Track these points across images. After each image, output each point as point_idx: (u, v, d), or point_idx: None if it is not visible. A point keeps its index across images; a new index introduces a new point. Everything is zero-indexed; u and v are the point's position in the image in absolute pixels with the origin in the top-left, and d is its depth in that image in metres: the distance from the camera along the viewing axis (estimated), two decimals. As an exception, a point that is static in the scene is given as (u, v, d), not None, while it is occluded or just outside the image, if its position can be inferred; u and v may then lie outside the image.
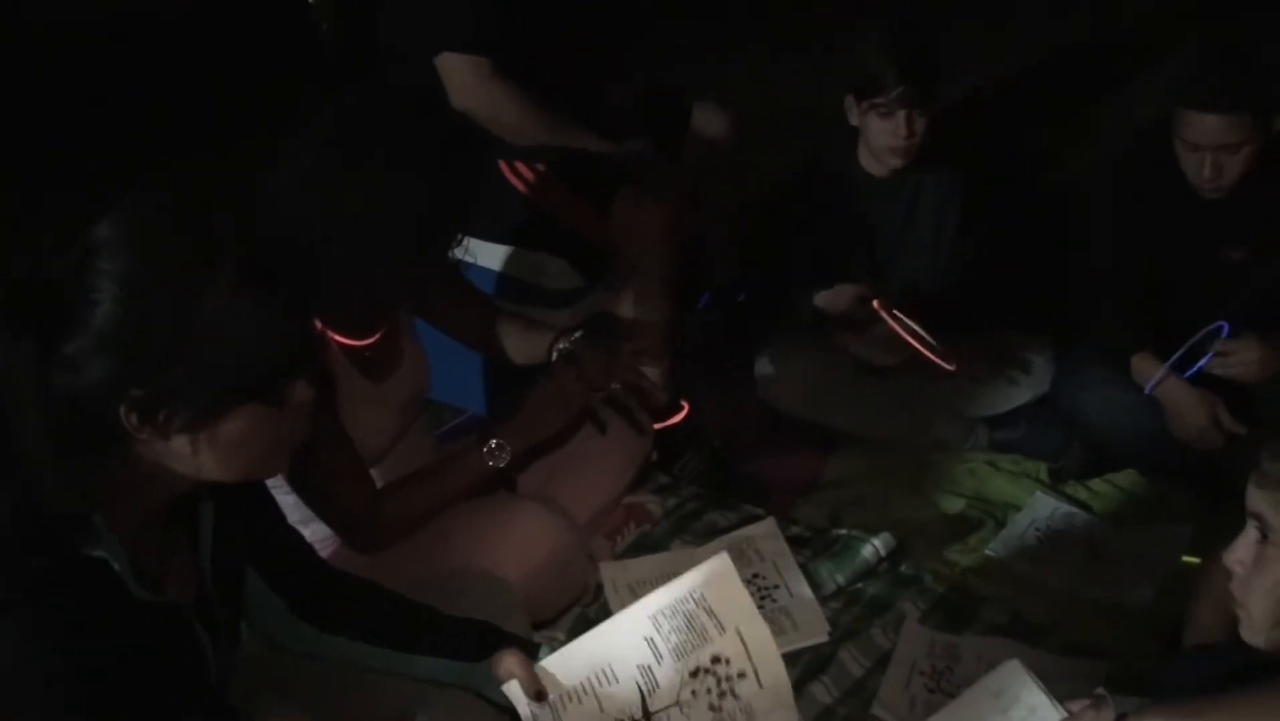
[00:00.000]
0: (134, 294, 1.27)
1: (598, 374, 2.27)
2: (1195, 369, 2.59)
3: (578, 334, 2.31)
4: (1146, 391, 2.65)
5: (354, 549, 2.08)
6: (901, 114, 2.72)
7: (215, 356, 1.29)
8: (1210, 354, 2.57)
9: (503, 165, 2.74)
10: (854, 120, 2.82)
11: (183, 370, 1.28)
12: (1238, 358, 2.56)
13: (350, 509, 2.04)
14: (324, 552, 2.08)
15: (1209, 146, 2.48)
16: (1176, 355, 2.61)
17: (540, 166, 2.73)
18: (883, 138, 2.76)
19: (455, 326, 2.38)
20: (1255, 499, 1.48)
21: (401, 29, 2.77)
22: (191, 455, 1.34)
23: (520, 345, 2.40)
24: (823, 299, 2.80)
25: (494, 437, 2.16)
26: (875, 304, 2.74)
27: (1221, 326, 2.58)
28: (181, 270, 1.29)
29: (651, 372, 2.47)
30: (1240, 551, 1.51)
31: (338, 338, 2.04)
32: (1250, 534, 1.51)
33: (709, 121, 3.08)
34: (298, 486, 2.00)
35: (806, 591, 2.29)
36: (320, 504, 2.03)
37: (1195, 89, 2.48)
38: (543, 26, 2.72)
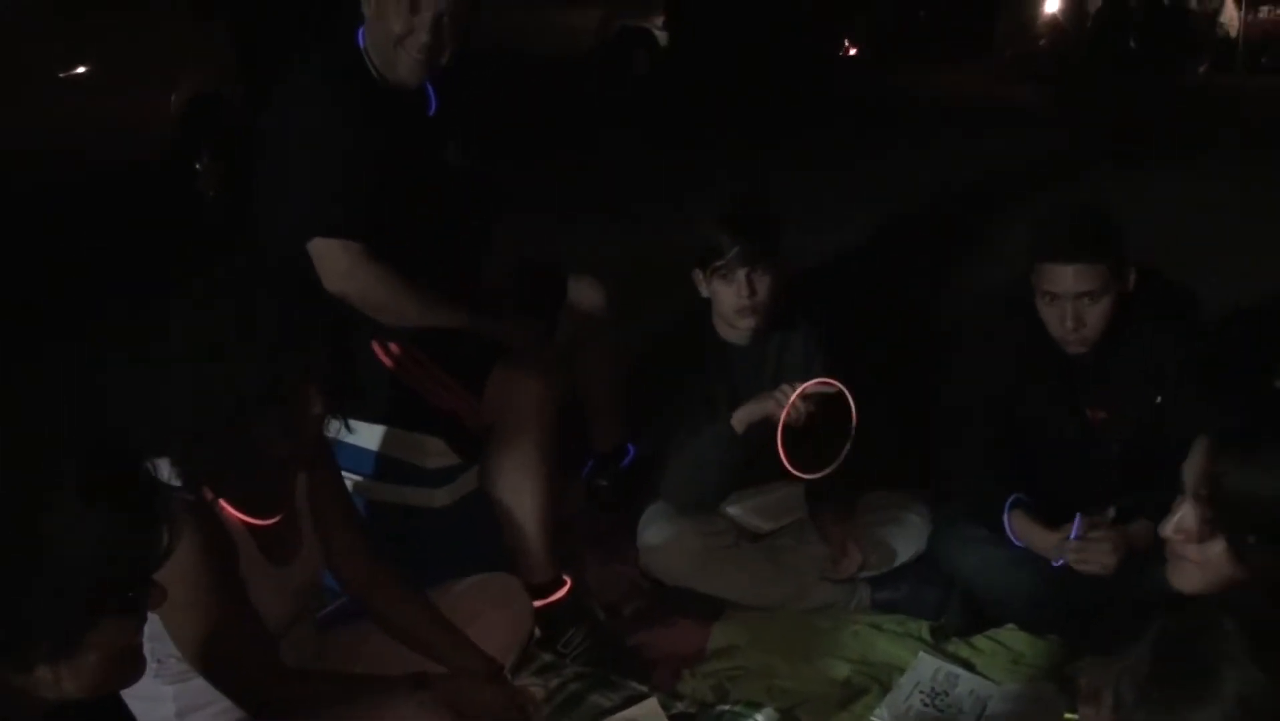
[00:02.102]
0: None
1: None
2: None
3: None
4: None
5: (241, 706, 2.00)
6: (742, 273, 2.77)
7: (70, 580, 1.27)
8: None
9: (375, 344, 2.73)
10: (704, 292, 2.87)
11: (37, 600, 1.25)
12: (1089, 554, 2.58)
13: (245, 666, 1.96)
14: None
15: (1068, 296, 2.57)
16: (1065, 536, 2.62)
17: (408, 345, 2.72)
18: (729, 300, 2.81)
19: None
20: None
21: (275, 210, 2.75)
22: (54, 681, 1.30)
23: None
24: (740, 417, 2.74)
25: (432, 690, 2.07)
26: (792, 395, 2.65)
27: (1077, 518, 2.59)
28: (19, 495, 1.26)
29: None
30: None
31: (238, 514, 2.02)
32: None
33: (584, 292, 3.12)
34: (192, 651, 1.93)
35: (690, 774, 2.26)
36: (216, 666, 1.95)
37: (1050, 242, 2.60)
38: (413, 207, 2.74)
